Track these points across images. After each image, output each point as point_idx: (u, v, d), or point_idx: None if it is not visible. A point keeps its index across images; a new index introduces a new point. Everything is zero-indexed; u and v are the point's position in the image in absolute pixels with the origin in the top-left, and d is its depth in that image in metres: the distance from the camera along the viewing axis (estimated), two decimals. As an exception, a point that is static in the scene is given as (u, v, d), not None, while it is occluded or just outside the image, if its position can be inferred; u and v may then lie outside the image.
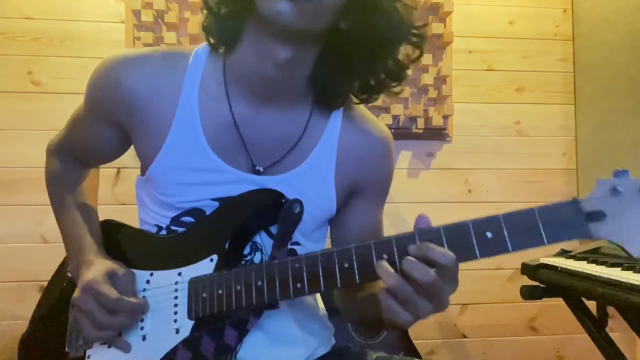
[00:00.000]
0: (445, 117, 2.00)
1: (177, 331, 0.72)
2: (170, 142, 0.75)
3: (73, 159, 0.90)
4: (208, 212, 0.77)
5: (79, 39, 1.88)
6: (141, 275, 0.78)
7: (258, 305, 0.68)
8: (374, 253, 0.60)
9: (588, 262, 1.24)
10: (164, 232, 0.80)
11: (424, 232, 0.60)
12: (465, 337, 2.04)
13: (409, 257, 0.58)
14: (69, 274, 0.83)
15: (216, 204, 0.76)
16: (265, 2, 0.63)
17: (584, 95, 2.06)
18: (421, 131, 2.00)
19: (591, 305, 1.35)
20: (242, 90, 0.76)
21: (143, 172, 0.81)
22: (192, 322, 0.72)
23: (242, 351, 0.74)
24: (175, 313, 0.73)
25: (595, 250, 1.37)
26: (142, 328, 0.75)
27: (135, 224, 0.86)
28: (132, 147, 0.85)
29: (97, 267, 0.75)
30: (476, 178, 2.06)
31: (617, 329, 1.82)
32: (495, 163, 2.07)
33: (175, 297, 0.74)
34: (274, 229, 0.77)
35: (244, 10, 0.71)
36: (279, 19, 0.63)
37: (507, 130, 2.09)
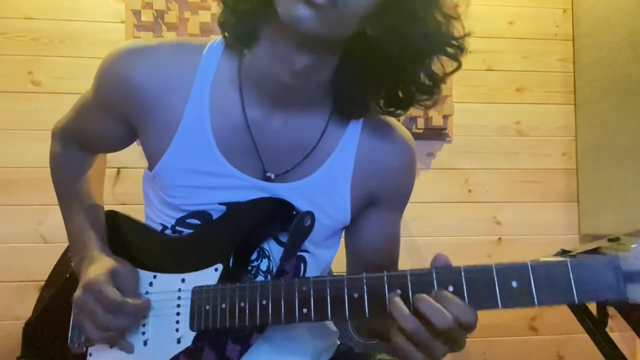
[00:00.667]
0: (445, 117, 2.00)
1: (179, 341, 0.70)
2: (178, 142, 0.72)
3: (77, 144, 0.86)
4: (215, 215, 0.74)
5: (79, 39, 1.87)
6: (145, 275, 0.76)
7: (262, 324, 0.66)
8: (386, 286, 0.57)
9: (588, 262, 1.24)
10: (168, 231, 0.77)
11: (443, 272, 0.55)
12: (465, 337, 2.04)
13: (427, 297, 0.53)
14: (73, 264, 0.81)
15: (223, 208, 0.74)
16: (284, 6, 0.58)
17: (584, 95, 2.06)
18: (421, 131, 2.00)
19: (591, 305, 1.35)
20: (256, 93, 0.72)
21: (151, 168, 0.77)
22: (194, 334, 0.70)
23: None
24: (177, 322, 0.71)
25: (595, 250, 1.37)
26: (143, 333, 0.74)
27: (135, 224, 0.85)
28: (134, 144, 0.84)
29: (100, 265, 0.73)
30: (476, 178, 2.05)
31: (617, 329, 1.82)
32: (495, 163, 2.07)
33: (178, 305, 0.72)
34: (282, 237, 0.75)
35: (262, 9, 0.65)
36: (298, 25, 0.58)
37: (507, 130, 2.09)
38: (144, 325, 0.74)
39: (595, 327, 1.33)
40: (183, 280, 0.73)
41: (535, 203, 2.07)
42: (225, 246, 0.72)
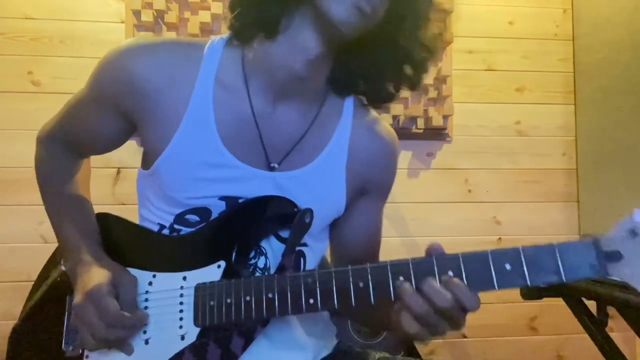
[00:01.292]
0: (445, 117, 2.00)
1: (183, 337, 0.70)
2: (181, 134, 0.73)
3: (65, 147, 0.86)
4: (214, 211, 0.75)
5: (79, 39, 1.88)
6: (143, 276, 0.75)
7: (268, 317, 0.67)
8: (390, 274, 0.60)
9: (588, 262, 1.24)
10: (166, 231, 0.77)
11: (442, 258, 0.59)
12: (465, 337, 2.04)
13: (430, 280, 0.58)
14: (63, 267, 0.80)
15: (222, 203, 0.74)
16: (337, 8, 0.65)
17: (584, 95, 2.06)
18: (421, 131, 2.00)
19: (591, 305, 1.35)
20: (261, 84, 0.74)
21: (146, 166, 0.78)
22: (198, 330, 0.70)
23: (246, 357, 0.71)
24: (181, 319, 0.71)
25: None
26: (145, 332, 0.73)
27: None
28: (129, 143, 0.84)
29: (100, 273, 0.72)
30: (476, 178, 2.06)
31: (617, 329, 1.82)
32: (495, 163, 2.07)
33: (181, 303, 0.72)
34: (282, 233, 0.76)
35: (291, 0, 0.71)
36: (345, 27, 0.66)
37: (507, 130, 2.09)
38: (145, 325, 0.73)
39: (595, 327, 1.33)
40: (184, 278, 0.73)
41: (535, 203, 2.07)
42: (228, 243, 0.72)
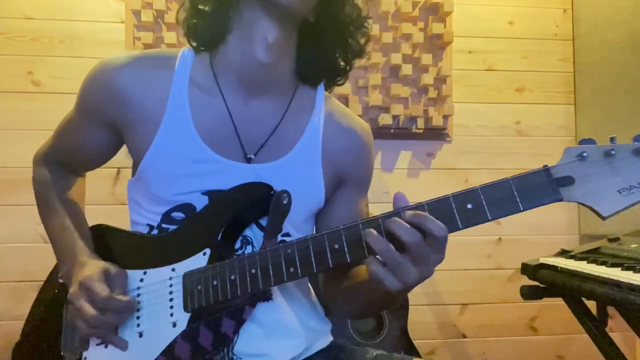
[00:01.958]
0: (445, 117, 2.00)
1: (174, 325, 0.73)
2: (162, 134, 0.77)
3: (61, 167, 0.91)
4: (198, 207, 0.78)
5: (79, 39, 1.88)
6: (134, 274, 0.79)
7: (253, 292, 0.70)
8: (361, 231, 0.62)
9: (588, 262, 1.24)
10: (155, 231, 0.81)
11: (409, 209, 0.61)
12: (465, 337, 2.04)
13: (396, 218, 0.60)
14: (61, 280, 0.84)
15: (206, 198, 0.78)
16: None
17: (584, 95, 2.06)
18: (421, 131, 2.00)
19: (591, 305, 1.34)
20: (232, 82, 0.80)
21: (135, 173, 0.82)
22: (188, 315, 0.73)
23: (239, 344, 0.75)
24: (171, 307, 0.74)
25: (595, 250, 1.37)
26: (138, 325, 0.76)
27: (134, 224, 0.85)
28: (125, 148, 0.86)
29: (92, 266, 0.77)
30: (476, 178, 2.05)
31: (617, 329, 1.82)
32: (495, 163, 2.07)
33: (170, 292, 0.75)
34: (263, 221, 0.78)
35: (227, 6, 0.78)
36: (292, 3, 0.71)
37: (507, 130, 2.09)
38: (138, 318, 0.77)
39: (595, 327, 1.33)
40: (173, 270, 0.76)
41: (535, 203, 2.07)
42: (212, 232, 0.75)
